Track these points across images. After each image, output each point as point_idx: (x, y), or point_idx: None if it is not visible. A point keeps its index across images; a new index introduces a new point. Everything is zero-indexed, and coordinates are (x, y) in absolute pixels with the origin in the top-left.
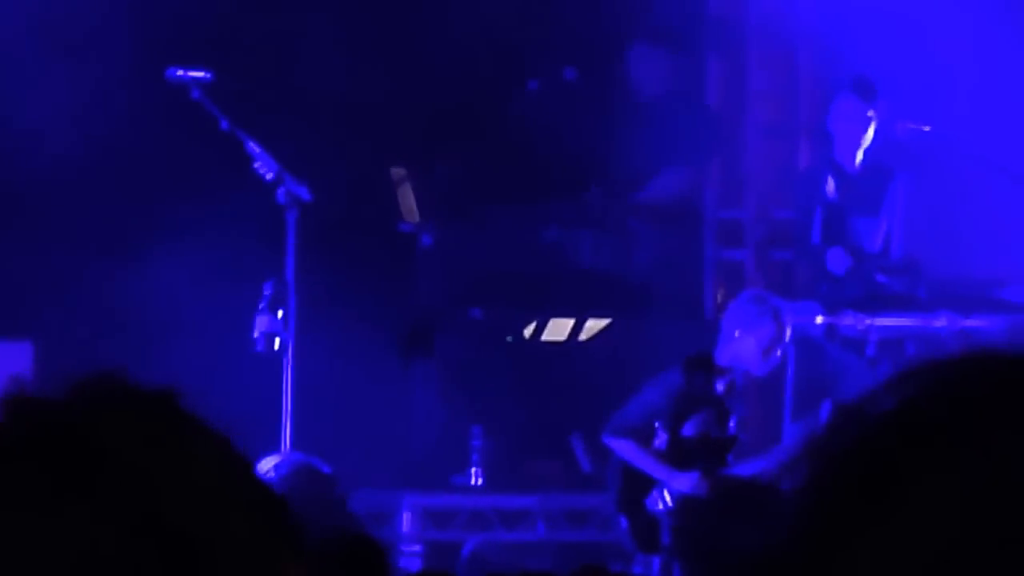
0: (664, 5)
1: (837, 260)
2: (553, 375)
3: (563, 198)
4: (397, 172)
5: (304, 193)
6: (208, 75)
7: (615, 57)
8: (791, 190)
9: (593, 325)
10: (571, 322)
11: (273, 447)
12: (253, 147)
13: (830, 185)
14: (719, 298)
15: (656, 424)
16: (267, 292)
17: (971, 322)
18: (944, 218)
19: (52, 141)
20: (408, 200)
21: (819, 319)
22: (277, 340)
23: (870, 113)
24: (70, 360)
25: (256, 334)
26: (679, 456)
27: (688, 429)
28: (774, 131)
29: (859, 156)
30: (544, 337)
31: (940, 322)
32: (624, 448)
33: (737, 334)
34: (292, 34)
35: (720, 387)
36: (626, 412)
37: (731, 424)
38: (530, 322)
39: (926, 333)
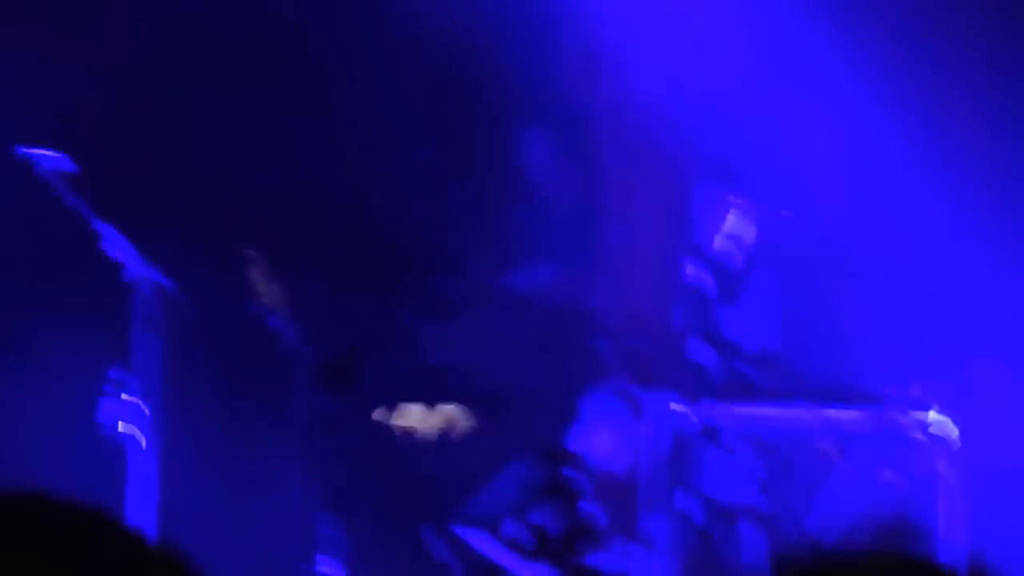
0: (550, 93)
1: (697, 349)
2: (409, 465)
3: (420, 286)
4: (251, 253)
5: (155, 274)
6: (58, 155)
7: (483, 140)
8: (647, 277)
9: (452, 413)
10: (432, 412)
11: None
12: (101, 226)
13: (691, 271)
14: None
15: (505, 516)
16: (114, 376)
17: (830, 413)
18: (803, 308)
19: None
20: (262, 282)
21: (676, 407)
22: (125, 425)
23: (733, 199)
24: None
25: (103, 419)
26: (529, 545)
27: (538, 519)
28: (629, 217)
29: (722, 242)
30: (399, 426)
31: (798, 412)
32: (473, 538)
33: (594, 426)
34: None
35: (572, 475)
36: (475, 502)
37: (583, 513)
38: (392, 411)
39: (784, 423)
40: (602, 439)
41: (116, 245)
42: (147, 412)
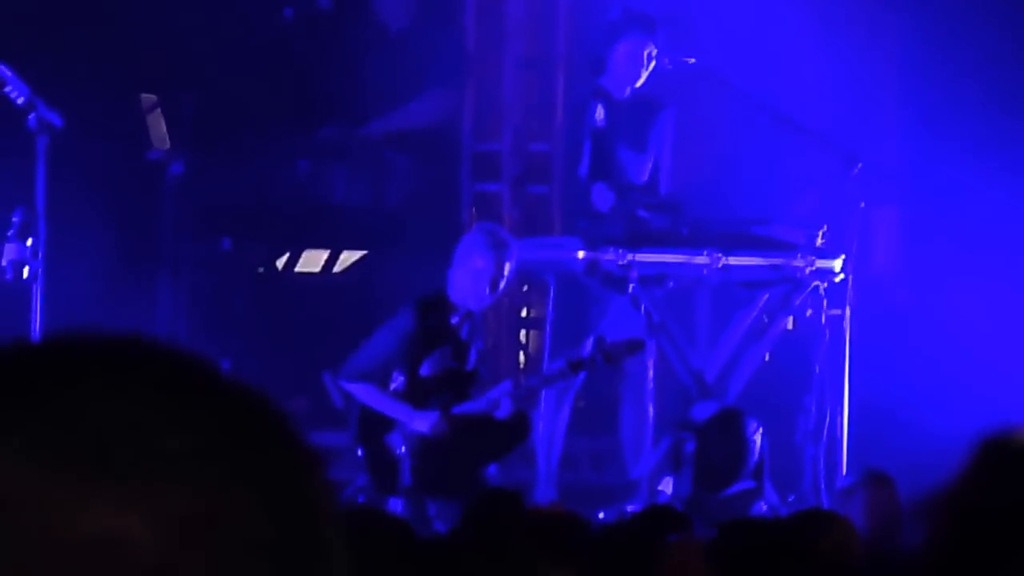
0: None
1: (601, 195)
2: (305, 310)
3: (316, 130)
4: (147, 98)
5: (56, 119)
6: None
7: None
8: (549, 123)
9: (347, 258)
10: (325, 254)
11: None
12: (3, 71)
13: (599, 114)
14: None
15: (392, 368)
16: (16, 219)
17: (733, 259)
18: (707, 155)
19: None
20: (159, 127)
21: (580, 254)
22: (26, 268)
23: (650, 48)
24: None
25: (4, 262)
26: (419, 395)
27: (426, 369)
28: (531, 63)
29: (628, 89)
30: (297, 269)
31: (702, 259)
32: (361, 391)
33: (459, 267)
34: None
35: (455, 321)
36: (360, 356)
37: (470, 358)
38: (282, 254)
39: (688, 270)
40: (466, 282)
41: (18, 89)
42: (44, 255)
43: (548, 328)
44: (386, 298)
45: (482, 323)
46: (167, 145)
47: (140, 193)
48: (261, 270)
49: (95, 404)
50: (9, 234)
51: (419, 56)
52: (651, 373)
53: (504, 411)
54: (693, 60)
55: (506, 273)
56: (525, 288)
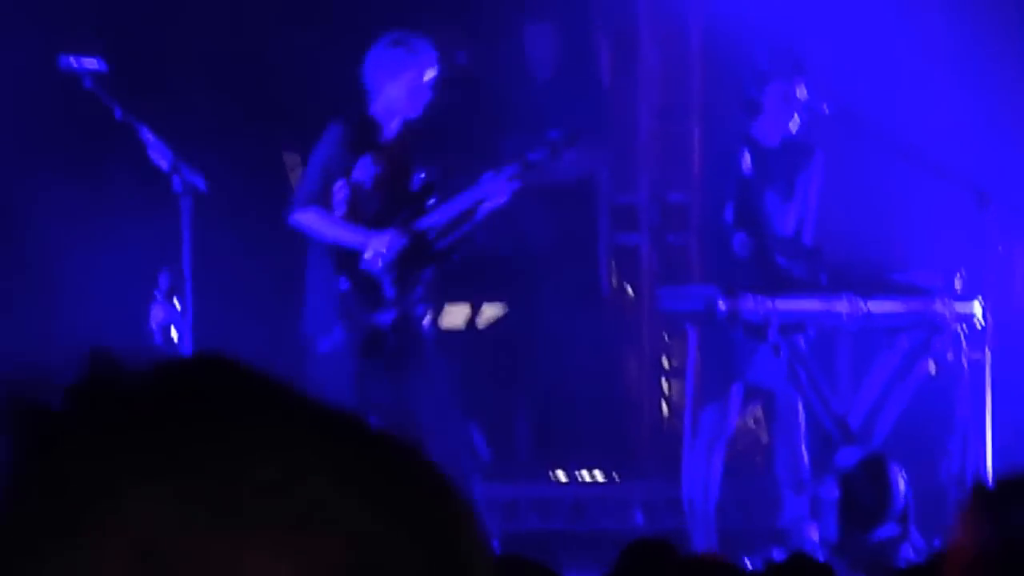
0: None
1: (742, 244)
2: (448, 361)
3: (457, 178)
4: (290, 157)
5: (199, 181)
6: (101, 64)
7: (506, 38)
8: (686, 172)
9: (489, 311)
10: (467, 308)
11: None
12: (147, 135)
13: (746, 161)
14: (614, 283)
15: (331, 182)
16: (163, 282)
17: (872, 305)
18: (843, 199)
19: None
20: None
21: (720, 303)
22: (174, 330)
23: (801, 90)
24: None
25: (152, 325)
26: (367, 209)
27: (360, 174)
28: (666, 112)
29: (779, 135)
30: (440, 323)
31: (842, 306)
32: (311, 220)
33: (385, 85)
34: (186, 20)
35: (388, 136)
36: (302, 182)
37: (417, 176)
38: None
39: (828, 317)
40: (398, 95)
41: (162, 154)
42: (192, 317)
43: (690, 377)
44: (528, 350)
45: (620, 370)
46: None
47: (284, 251)
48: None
49: (246, 451)
50: (157, 296)
51: (560, 107)
52: (803, 418)
53: (492, 206)
54: (827, 109)
55: (434, 72)
56: (666, 337)
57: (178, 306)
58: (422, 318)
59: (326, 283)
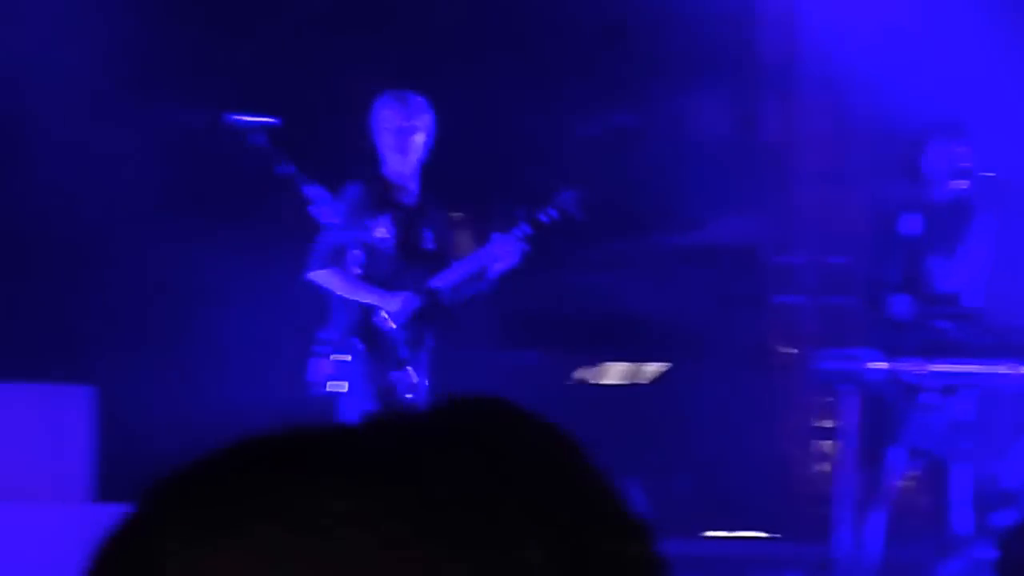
0: (716, 48)
1: (902, 305)
2: (609, 420)
3: (615, 242)
4: (453, 215)
5: (362, 233)
6: (271, 121)
7: (667, 99)
8: (846, 233)
9: (650, 369)
10: (628, 366)
11: None
12: (312, 191)
13: (908, 223)
14: (774, 344)
15: (347, 242)
16: (329, 339)
17: None
18: (1008, 264)
19: (113, 185)
20: (464, 246)
21: (879, 365)
22: (338, 383)
23: (962, 153)
24: (134, 406)
25: (316, 377)
26: (382, 267)
27: (374, 233)
28: (826, 174)
29: (944, 194)
30: (602, 381)
31: (1002, 369)
32: (329, 280)
33: (377, 135)
34: (353, 77)
35: (403, 199)
36: (318, 242)
37: (425, 236)
38: (586, 365)
39: (988, 380)
40: (387, 146)
41: (326, 209)
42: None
43: (849, 439)
44: (687, 408)
45: (778, 431)
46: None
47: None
48: (567, 382)
49: (327, 502)
50: (321, 351)
51: (722, 169)
52: (961, 480)
53: (504, 267)
54: (992, 167)
55: (420, 128)
56: (825, 399)
57: (341, 360)
58: (429, 377)
59: (342, 339)
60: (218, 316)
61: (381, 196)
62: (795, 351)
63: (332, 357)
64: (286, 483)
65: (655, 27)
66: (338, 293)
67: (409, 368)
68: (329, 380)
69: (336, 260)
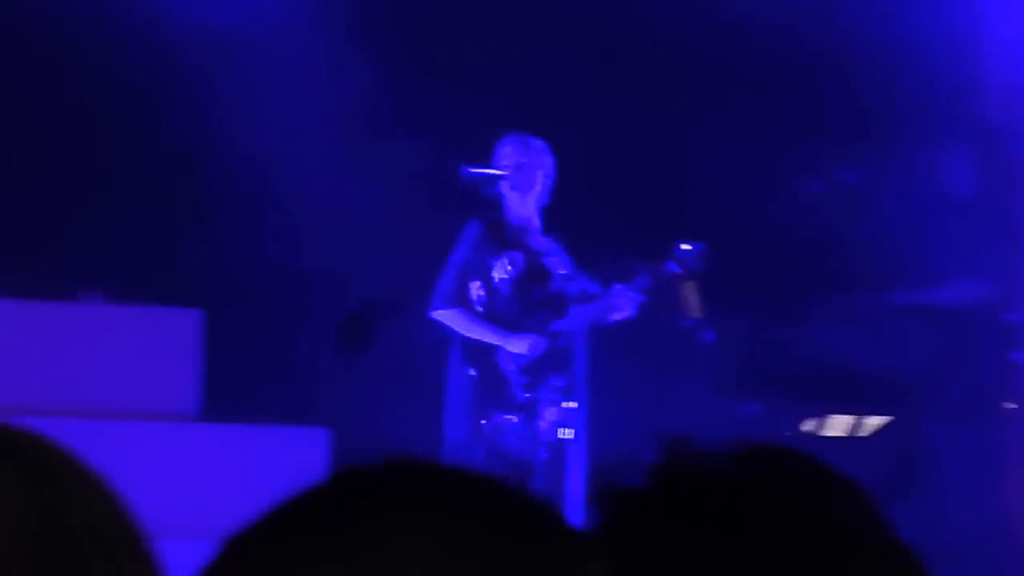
0: (941, 105)
1: None
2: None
3: (841, 297)
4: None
5: (594, 288)
6: (503, 173)
7: (894, 156)
8: None
9: (872, 422)
10: (851, 419)
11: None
12: (543, 244)
13: None
14: (999, 400)
15: (469, 278)
16: (559, 384)
17: None
18: None
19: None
20: (692, 297)
21: None
22: (568, 430)
23: None
24: (366, 445)
25: (547, 424)
26: (503, 308)
27: (495, 273)
28: None
29: None
30: (824, 433)
31: None
32: (453, 320)
33: (501, 181)
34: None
35: (533, 242)
36: (441, 280)
37: (556, 277)
38: (808, 417)
39: None
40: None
41: (561, 261)
42: (585, 418)
43: None
44: (910, 462)
45: (1003, 487)
46: (700, 314)
47: (675, 359)
48: (789, 434)
49: (409, 542)
50: (553, 398)
51: (947, 227)
52: None
53: (621, 315)
54: None
55: (540, 169)
56: None
57: (572, 407)
58: (546, 423)
59: (460, 378)
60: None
61: (503, 236)
62: (1020, 407)
63: (563, 404)
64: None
65: (879, 80)
66: (461, 333)
67: (522, 413)
68: (559, 427)
69: (458, 298)
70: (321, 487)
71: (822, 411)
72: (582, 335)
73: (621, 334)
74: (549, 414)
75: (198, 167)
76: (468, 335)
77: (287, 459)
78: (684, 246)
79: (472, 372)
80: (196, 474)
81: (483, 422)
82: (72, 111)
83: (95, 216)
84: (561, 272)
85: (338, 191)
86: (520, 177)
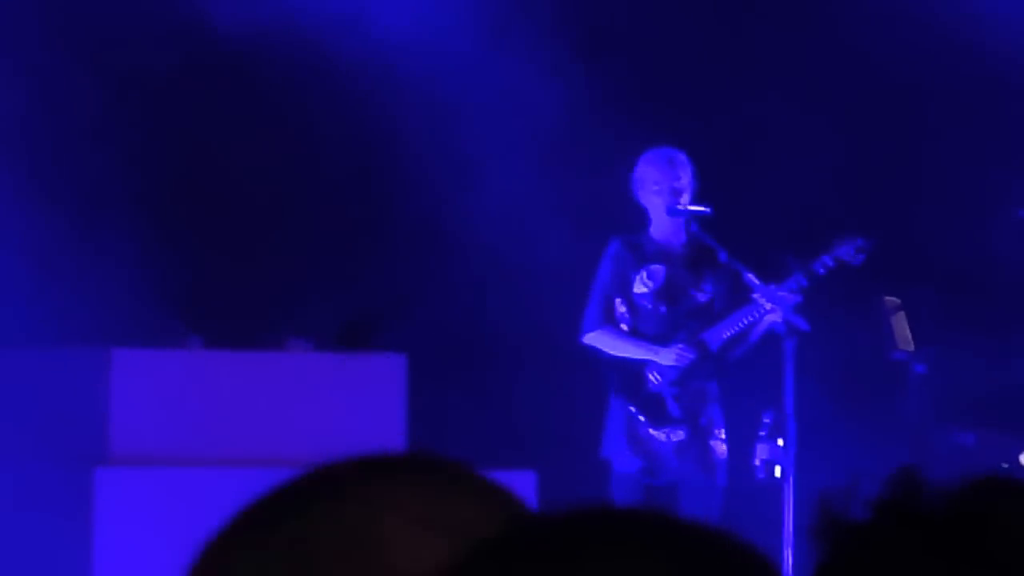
0: None
1: None
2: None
3: None
4: (891, 301)
5: (802, 323)
6: (709, 210)
7: None
8: None
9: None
10: None
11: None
12: (751, 278)
13: None
14: None
15: (614, 296)
16: (767, 420)
17: None
18: None
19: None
20: (903, 329)
21: None
22: (778, 468)
23: None
24: (573, 488)
25: (757, 461)
26: (649, 323)
27: (638, 288)
28: None
29: None
30: None
31: None
32: (602, 340)
33: (646, 196)
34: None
35: (669, 252)
36: (588, 304)
37: (704, 286)
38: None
39: None
40: (656, 203)
41: (768, 296)
42: (794, 455)
43: None
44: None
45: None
46: (911, 347)
47: (884, 392)
48: (1005, 465)
49: None
50: (762, 434)
51: None
52: None
53: (778, 319)
54: None
55: (684, 183)
56: None
57: (781, 444)
58: (713, 436)
59: (619, 405)
60: None
61: (643, 251)
62: None
63: (775, 442)
64: None
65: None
66: (611, 352)
67: (680, 429)
68: (772, 463)
69: (606, 318)
70: (538, 530)
71: None
72: (791, 369)
73: (829, 367)
74: (761, 451)
75: (398, 210)
76: (615, 353)
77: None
78: (841, 241)
79: (631, 407)
80: None
81: (647, 444)
82: (276, 156)
83: (298, 262)
84: (709, 283)
85: (533, 232)
86: (668, 197)
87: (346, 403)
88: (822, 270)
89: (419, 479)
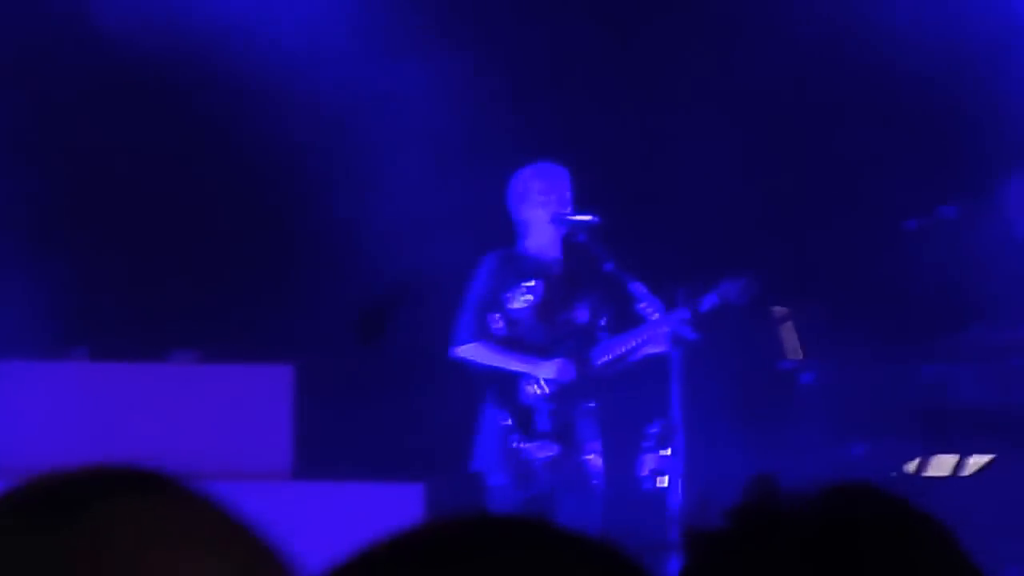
0: None
1: None
2: (934, 511)
3: (942, 335)
4: (779, 310)
5: (688, 332)
6: (595, 219)
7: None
8: None
9: (976, 461)
10: (954, 458)
11: None
12: (637, 287)
13: None
14: None
15: (487, 311)
16: (654, 430)
17: None
18: None
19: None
20: (791, 338)
21: None
22: (665, 478)
23: None
24: (461, 499)
25: (645, 471)
26: (526, 338)
27: (515, 304)
28: None
29: None
30: (927, 473)
31: None
32: (476, 353)
33: (526, 215)
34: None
35: (547, 269)
36: (461, 316)
37: (582, 302)
38: (912, 457)
39: None
40: (539, 220)
41: (652, 305)
42: (682, 466)
43: None
44: (1017, 500)
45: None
46: (800, 356)
47: (772, 402)
48: (893, 474)
49: None
50: (647, 445)
51: None
52: None
53: (660, 348)
54: None
55: (568, 196)
56: None
57: (668, 454)
58: (586, 451)
59: (493, 417)
60: None
61: (520, 266)
62: None
63: (661, 452)
64: None
65: (981, 114)
66: (486, 364)
67: (553, 444)
68: (659, 473)
69: (481, 333)
70: (418, 539)
71: (926, 451)
72: (677, 379)
73: (716, 377)
74: (647, 461)
75: (287, 223)
76: (492, 365)
77: (381, 515)
78: (726, 281)
79: (505, 419)
80: (289, 532)
81: (518, 457)
82: (161, 171)
83: (186, 275)
84: (589, 303)
85: (423, 241)
86: (546, 210)
87: (232, 415)
88: (705, 308)
89: (154, 495)
